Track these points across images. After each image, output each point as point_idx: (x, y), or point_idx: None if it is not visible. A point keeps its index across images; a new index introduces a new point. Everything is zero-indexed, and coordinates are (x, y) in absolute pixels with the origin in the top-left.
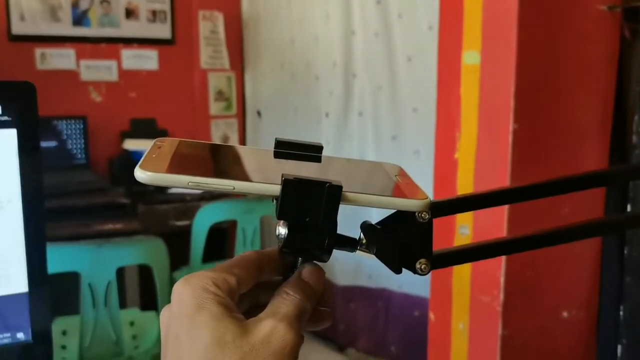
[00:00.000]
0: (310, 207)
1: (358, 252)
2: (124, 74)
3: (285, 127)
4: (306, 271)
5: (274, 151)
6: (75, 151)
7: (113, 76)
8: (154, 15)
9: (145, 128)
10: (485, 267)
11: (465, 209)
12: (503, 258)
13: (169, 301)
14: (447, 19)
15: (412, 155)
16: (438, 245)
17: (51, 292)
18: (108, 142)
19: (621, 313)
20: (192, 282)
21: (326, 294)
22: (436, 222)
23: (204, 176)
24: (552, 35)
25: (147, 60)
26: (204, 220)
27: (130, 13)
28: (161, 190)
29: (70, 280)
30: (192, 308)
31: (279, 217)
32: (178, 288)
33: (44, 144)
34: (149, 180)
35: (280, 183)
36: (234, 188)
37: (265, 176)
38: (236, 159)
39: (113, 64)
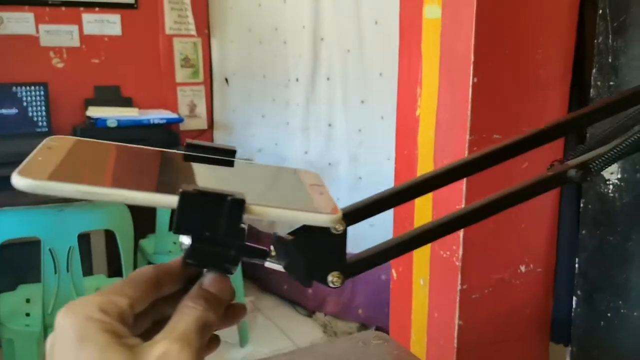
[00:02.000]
0: (210, 220)
1: (267, 263)
2: (85, 39)
3: (254, 93)
4: (208, 280)
5: (184, 154)
6: (36, 119)
7: (74, 41)
8: None
9: (110, 95)
10: None
11: (378, 210)
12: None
13: (134, 268)
14: None
15: (380, 120)
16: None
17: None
18: (71, 109)
19: (576, 266)
20: (74, 310)
21: (234, 295)
22: (397, 177)
23: (93, 184)
24: None
25: (109, 25)
26: None
27: None
28: None
29: (35, 247)
30: (74, 341)
31: (175, 231)
32: (59, 319)
33: (4, 111)
34: (27, 188)
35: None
36: (125, 199)
37: (165, 185)
38: (138, 164)
39: (74, 28)
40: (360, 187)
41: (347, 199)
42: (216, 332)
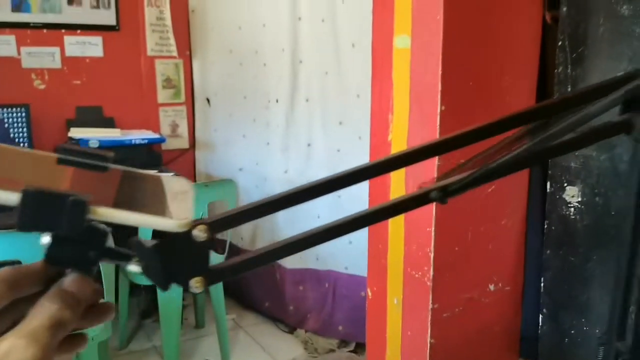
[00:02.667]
0: (52, 220)
1: (130, 266)
2: (67, 60)
3: (235, 114)
4: (68, 280)
5: (57, 157)
6: (18, 139)
7: (56, 63)
8: (97, 1)
9: (92, 116)
10: (417, 244)
11: (244, 220)
12: (432, 234)
13: (121, 288)
14: (380, 4)
15: (358, 140)
16: (375, 226)
17: None
18: (53, 130)
19: (542, 284)
20: None
21: (97, 295)
22: (372, 202)
23: None
24: (476, 20)
25: (91, 47)
26: None
27: None
28: None
29: None
30: None
31: (18, 229)
32: None
33: None
34: None
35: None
36: None
37: (16, 183)
38: (8, 164)
39: (56, 50)
40: (340, 205)
41: (327, 216)
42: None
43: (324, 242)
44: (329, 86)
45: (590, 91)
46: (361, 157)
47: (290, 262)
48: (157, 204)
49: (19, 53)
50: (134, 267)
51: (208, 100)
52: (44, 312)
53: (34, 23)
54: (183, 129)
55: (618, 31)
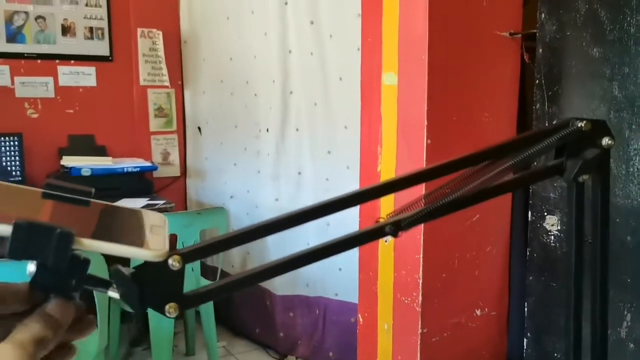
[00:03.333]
0: (40, 250)
1: (109, 293)
2: (60, 90)
3: (225, 142)
4: (52, 304)
5: (42, 192)
6: (10, 168)
7: (49, 92)
8: (91, 32)
9: (84, 144)
10: (406, 271)
11: (213, 252)
12: (420, 261)
13: (112, 315)
14: (368, 43)
15: (345, 169)
16: (366, 254)
17: None
18: (45, 158)
19: (526, 309)
20: None
21: (79, 314)
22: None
23: None
24: (459, 59)
25: (84, 77)
26: None
27: (66, 30)
28: None
29: None
30: None
31: (8, 256)
32: None
33: None
34: None
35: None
36: None
37: (8, 217)
38: None
39: (49, 80)
40: (329, 232)
41: (316, 243)
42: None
43: (287, 271)
44: (318, 117)
45: (532, 136)
46: (350, 186)
47: (281, 289)
48: (135, 236)
49: (12, 83)
50: (112, 294)
51: (199, 129)
52: (28, 329)
53: (28, 53)
54: (174, 157)
55: (589, 72)
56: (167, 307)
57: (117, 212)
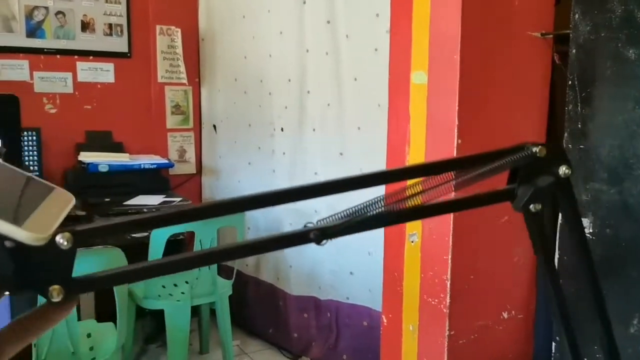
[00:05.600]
0: None
1: None
2: (79, 86)
3: (240, 140)
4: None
5: None
6: (28, 163)
7: (68, 88)
8: (110, 28)
9: (101, 140)
10: (433, 272)
11: (109, 233)
12: (449, 262)
13: (131, 312)
14: (397, 42)
15: (359, 171)
16: (391, 254)
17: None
18: (63, 153)
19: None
20: None
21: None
22: (388, 231)
23: None
24: (491, 58)
25: (103, 73)
26: (161, 232)
27: (86, 26)
28: (117, 202)
29: None
30: None
31: None
32: None
33: None
34: None
35: None
36: None
37: None
38: None
39: (68, 75)
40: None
41: (330, 242)
42: None
43: (188, 269)
44: (331, 117)
45: (487, 155)
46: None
47: (296, 289)
48: (20, 212)
49: (31, 78)
50: None
51: (215, 127)
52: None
53: (47, 49)
54: (191, 155)
55: (624, 74)
56: (50, 289)
57: (16, 180)
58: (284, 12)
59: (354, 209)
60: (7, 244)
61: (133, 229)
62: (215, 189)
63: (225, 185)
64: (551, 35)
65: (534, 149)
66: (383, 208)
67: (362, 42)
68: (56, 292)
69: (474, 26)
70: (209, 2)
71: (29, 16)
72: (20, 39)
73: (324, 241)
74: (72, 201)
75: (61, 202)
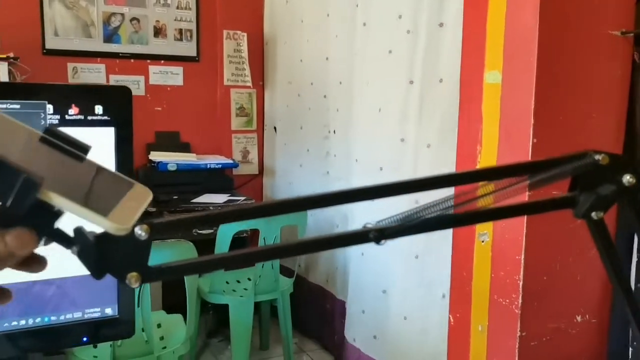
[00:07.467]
0: (2, 189)
1: (71, 250)
2: (150, 88)
3: (295, 142)
4: (11, 233)
5: (41, 136)
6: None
7: (140, 91)
8: (181, 33)
9: (169, 140)
10: (505, 272)
11: (184, 228)
12: (521, 262)
13: (197, 305)
14: (470, 40)
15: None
16: (460, 253)
17: None
18: (135, 153)
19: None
20: None
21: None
22: (456, 230)
23: None
24: (569, 58)
25: (172, 76)
26: (227, 229)
27: (158, 31)
28: (185, 199)
29: None
30: None
31: None
32: None
33: None
34: None
35: None
36: None
37: None
38: None
39: (141, 79)
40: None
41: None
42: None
43: (258, 262)
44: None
45: (547, 162)
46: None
47: (340, 293)
48: (106, 203)
49: (107, 80)
50: (73, 252)
51: (275, 128)
52: None
53: (122, 53)
54: (254, 156)
55: None
56: (128, 275)
57: (104, 176)
58: (340, 15)
59: (412, 211)
60: (91, 233)
61: (207, 223)
62: (276, 189)
63: (280, 186)
64: (632, 34)
65: (597, 157)
66: (436, 212)
67: (421, 44)
68: (134, 279)
69: (551, 24)
70: (273, 7)
71: (106, 22)
72: (98, 44)
73: (383, 241)
74: (150, 196)
75: (141, 197)
